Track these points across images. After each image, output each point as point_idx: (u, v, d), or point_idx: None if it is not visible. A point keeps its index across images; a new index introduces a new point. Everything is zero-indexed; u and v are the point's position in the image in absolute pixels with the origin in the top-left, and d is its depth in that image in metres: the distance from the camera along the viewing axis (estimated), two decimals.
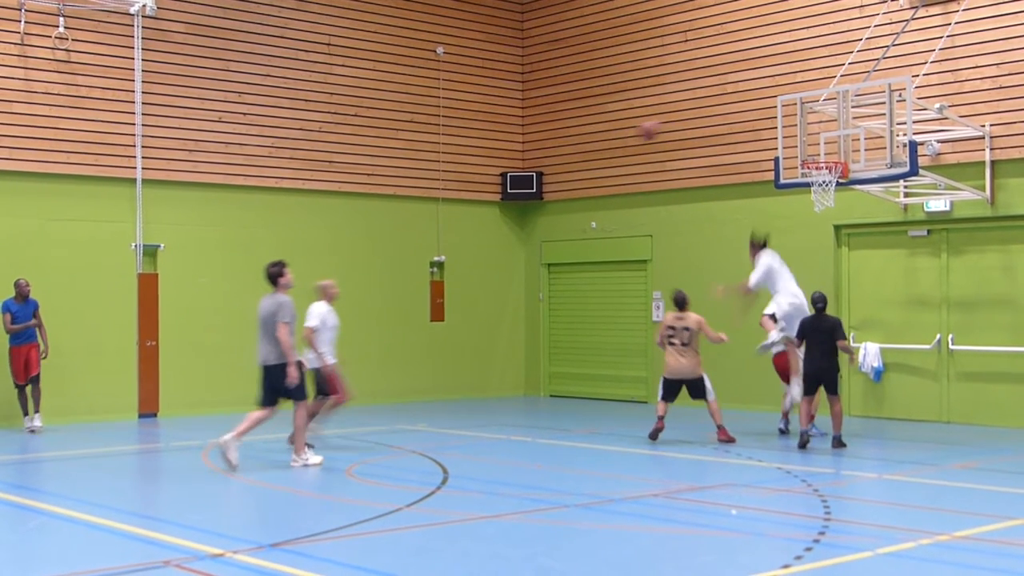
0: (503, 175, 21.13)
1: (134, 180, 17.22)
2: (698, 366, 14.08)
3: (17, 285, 15.40)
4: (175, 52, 17.67)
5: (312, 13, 19.03)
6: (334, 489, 11.31)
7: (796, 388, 14.16)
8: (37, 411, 15.53)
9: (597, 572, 7.66)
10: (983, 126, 15.41)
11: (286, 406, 12.24)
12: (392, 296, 19.86)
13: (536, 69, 21.32)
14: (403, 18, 20.04)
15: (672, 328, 14.16)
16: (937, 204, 16.02)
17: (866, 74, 15.80)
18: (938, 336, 16.11)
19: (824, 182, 14.01)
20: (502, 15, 21.34)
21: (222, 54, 18.12)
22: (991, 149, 15.45)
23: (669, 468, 12.61)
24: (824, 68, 16.92)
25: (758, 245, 14.96)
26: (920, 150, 14.80)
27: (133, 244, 17.26)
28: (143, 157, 17.28)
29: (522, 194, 21.09)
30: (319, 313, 13.36)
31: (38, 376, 15.48)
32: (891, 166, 13.70)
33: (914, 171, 13.74)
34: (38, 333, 15.51)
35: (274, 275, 12.29)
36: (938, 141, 15.76)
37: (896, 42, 16.01)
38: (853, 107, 14.19)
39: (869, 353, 16.62)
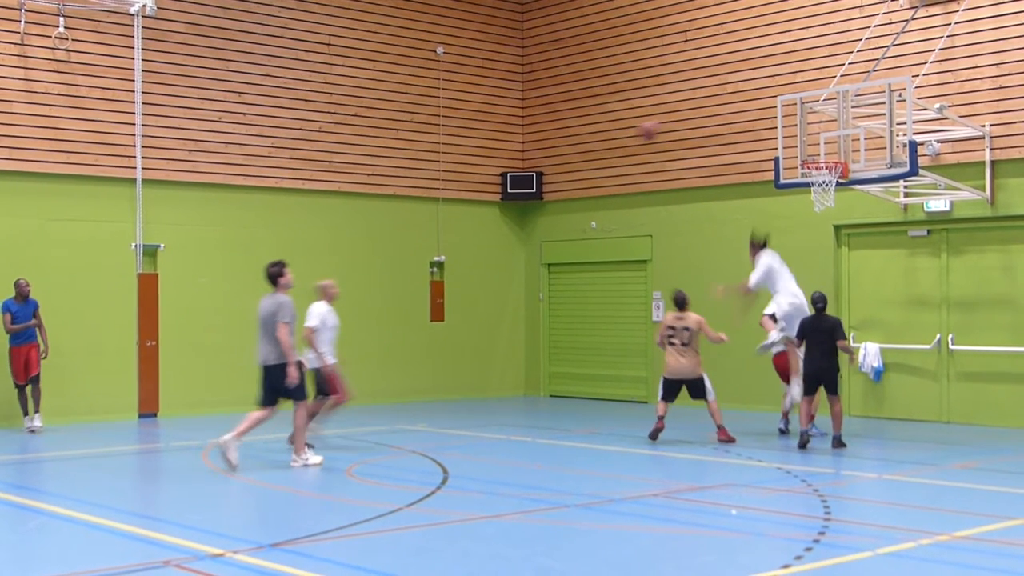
0: (503, 175, 21.13)
1: (134, 180, 17.23)
2: (698, 366, 14.08)
3: (17, 285, 15.40)
4: (175, 52, 17.68)
5: (312, 13, 19.03)
6: (334, 489, 11.30)
7: (796, 388, 14.16)
8: (37, 411, 15.53)
9: (597, 572, 7.65)
10: (983, 126, 15.41)
11: (286, 406, 12.24)
12: (392, 296, 19.86)
13: (536, 69, 21.32)
14: (403, 18, 20.04)
15: (672, 328, 14.16)
16: (937, 204, 16.02)
17: (866, 74, 15.79)
18: (938, 336, 16.11)
19: (824, 182, 14.00)
20: (502, 15, 21.34)
21: (222, 54, 18.12)
22: (991, 149, 15.45)
23: (669, 468, 12.61)
24: (824, 68, 16.91)
25: (758, 245, 14.96)
26: (920, 150, 14.80)
27: (133, 244, 17.26)
28: (143, 157, 17.28)
29: (522, 194, 21.09)
30: (319, 313, 13.36)
31: (38, 376, 15.48)
32: (891, 166, 13.69)
33: (914, 171, 13.74)
34: (38, 333, 15.51)
35: (274, 275, 12.28)
36: (938, 141, 15.76)
37: (896, 42, 16.01)
38: (853, 107, 14.19)
39: (869, 353, 16.62)
